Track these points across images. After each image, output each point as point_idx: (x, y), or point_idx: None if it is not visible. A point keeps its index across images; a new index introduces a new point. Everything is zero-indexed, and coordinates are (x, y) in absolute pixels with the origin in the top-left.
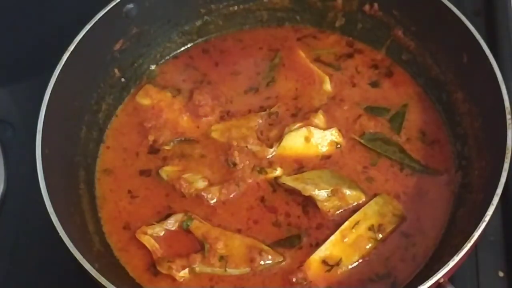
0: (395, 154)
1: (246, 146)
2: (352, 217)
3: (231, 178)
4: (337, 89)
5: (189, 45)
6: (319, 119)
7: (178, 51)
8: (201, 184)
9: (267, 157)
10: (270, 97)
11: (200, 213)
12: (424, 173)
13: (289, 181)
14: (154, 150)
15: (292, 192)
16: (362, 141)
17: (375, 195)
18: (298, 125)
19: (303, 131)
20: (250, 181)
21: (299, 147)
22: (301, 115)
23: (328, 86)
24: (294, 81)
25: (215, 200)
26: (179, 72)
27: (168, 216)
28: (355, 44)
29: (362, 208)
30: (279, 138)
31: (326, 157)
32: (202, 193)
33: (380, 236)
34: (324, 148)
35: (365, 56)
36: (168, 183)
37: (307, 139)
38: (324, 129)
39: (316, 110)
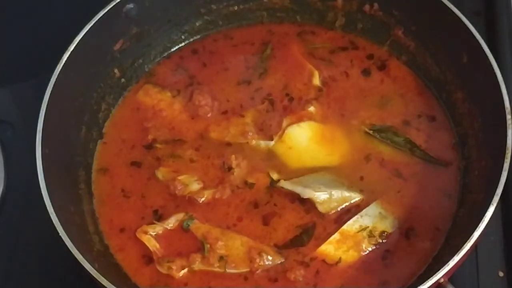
0: (405, 145)
1: (247, 142)
2: (353, 218)
3: (226, 181)
4: (331, 82)
5: (189, 45)
6: (315, 111)
7: (179, 50)
8: (195, 186)
9: (269, 146)
10: (264, 89)
11: (196, 215)
12: (433, 164)
13: (287, 185)
14: (152, 150)
15: (291, 194)
16: (371, 132)
17: (375, 196)
18: (294, 118)
19: (303, 125)
20: (245, 185)
21: (298, 141)
22: (297, 107)
23: (317, 81)
24: (284, 73)
25: (206, 201)
26: (177, 72)
27: (163, 215)
28: (355, 42)
29: (363, 209)
30: (278, 130)
31: (327, 152)
32: (195, 196)
33: (380, 237)
34: (323, 142)
35: (364, 51)
36: (164, 183)
37: (307, 133)
38: (322, 122)
39: (310, 102)
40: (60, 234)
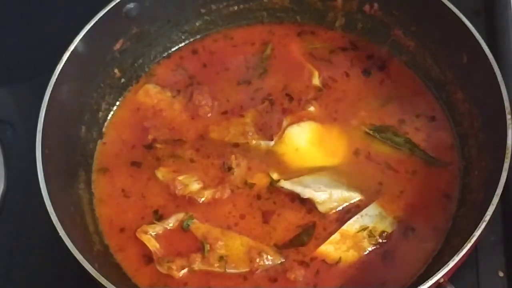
0: (405, 145)
1: (247, 142)
2: (353, 218)
3: (226, 181)
4: (331, 82)
5: (189, 45)
6: (314, 111)
7: (179, 50)
8: (195, 186)
9: (269, 146)
10: (264, 89)
11: (196, 215)
12: (433, 164)
13: (287, 185)
14: (152, 150)
15: (290, 194)
16: (371, 132)
17: (375, 196)
18: (294, 118)
19: (303, 125)
20: (245, 185)
21: (298, 141)
22: (297, 107)
23: (316, 81)
24: (284, 73)
25: (207, 201)
26: (177, 72)
27: (163, 215)
28: (355, 43)
29: (363, 209)
30: (278, 131)
31: (327, 152)
32: (195, 196)
33: (380, 237)
34: (322, 142)
35: (364, 51)
36: (163, 183)
37: (307, 133)
38: (321, 122)
39: (310, 102)
40: (60, 234)
